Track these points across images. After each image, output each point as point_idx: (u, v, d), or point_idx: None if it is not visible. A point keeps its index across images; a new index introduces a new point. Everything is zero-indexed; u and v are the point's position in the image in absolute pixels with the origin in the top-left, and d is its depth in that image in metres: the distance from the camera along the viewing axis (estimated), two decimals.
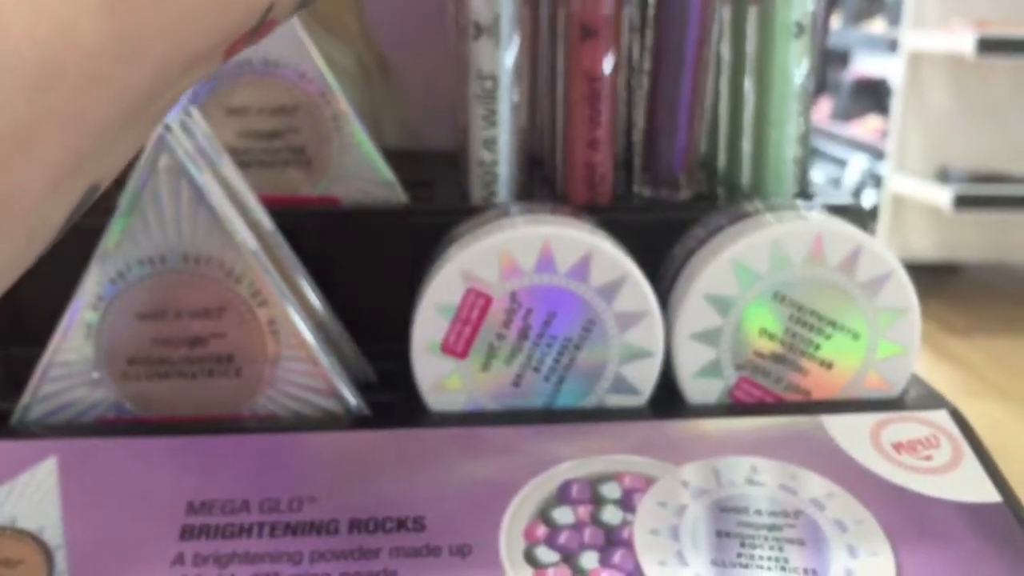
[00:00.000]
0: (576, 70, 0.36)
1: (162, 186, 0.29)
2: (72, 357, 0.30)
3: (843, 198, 0.38)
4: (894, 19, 2.18)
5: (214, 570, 0.26)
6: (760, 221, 0.32)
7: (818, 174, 2.46)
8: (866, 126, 2.38)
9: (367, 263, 0.37)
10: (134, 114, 0.17)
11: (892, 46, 2.10)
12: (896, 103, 2.09)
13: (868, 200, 2.24)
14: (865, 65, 2.57)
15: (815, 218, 0.32)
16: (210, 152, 0.31)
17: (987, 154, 2.08)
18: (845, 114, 2.48)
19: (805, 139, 0.37)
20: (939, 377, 1.66)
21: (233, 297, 0.30)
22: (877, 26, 2.37)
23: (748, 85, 0.37)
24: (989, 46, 1.85)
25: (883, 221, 2.10)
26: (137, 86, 0.16)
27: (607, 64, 0.35)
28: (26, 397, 0.30)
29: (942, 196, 1.94)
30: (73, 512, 0.27)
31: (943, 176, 2.02)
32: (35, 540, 0.26)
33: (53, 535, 0.26)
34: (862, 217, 0.36)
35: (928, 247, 2.12)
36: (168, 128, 0.29)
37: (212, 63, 0.18)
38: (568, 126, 0.37)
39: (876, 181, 2.21)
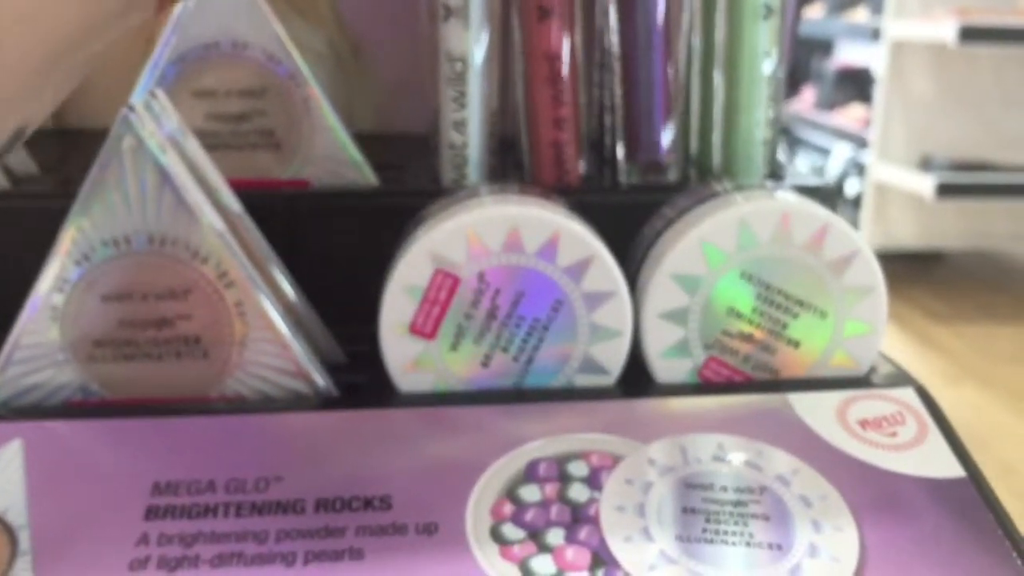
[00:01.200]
0: (535, 50, 0.36)
1: (126, 167, 0.29)
2: (38, 339, 0.30)
3: (813, 179, 0.39)
4: (877, 8, 2.19)
5: (179, 549, 0.26)
6: (728, 201, 0.32)
7: (802, 163, 2.47)
8: (849, 115, 2.39)
9: (337, 246, 0.37)
10: (61, 57, 0.16)
11: (875, 35, 2.11)
12: (879, 92, 2.09)
13: (852, 188, 2.25)
14: (848, 54, 2.58)
15: (782, 197, 0.32)
16: (175, 134, 0.31)
17: (969, 142, 2.10)
18: (829, 103, 2.48)
19: (775, 121, 0.38)
20: (921, 364, 1.67)
21: (199, 278, 0.30)
22: (860, 15, 2.37)
23: (718, 68, 0.37)
24: (971, 34, 1.86)
25: (866, 209, 2.11)
26: (64, 28, 0.16)
27: (565, 44, 0.35)
28: None
29: (925, 184, 1.96)
30: (38, 493, 0.27)
31: (926, 164, 2.03)
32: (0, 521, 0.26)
33: (17, 516, 0.26)
34: (831, 198, 0.36)
35: (911, 235, 2.13)
36: (132, 109, 0.29)
37: (147, 9, 0.18)
38: (531, 107, 0.37)
39: (859, 170, 2.22)
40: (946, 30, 1.87)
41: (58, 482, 0.27)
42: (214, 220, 0.30)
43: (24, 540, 0.26)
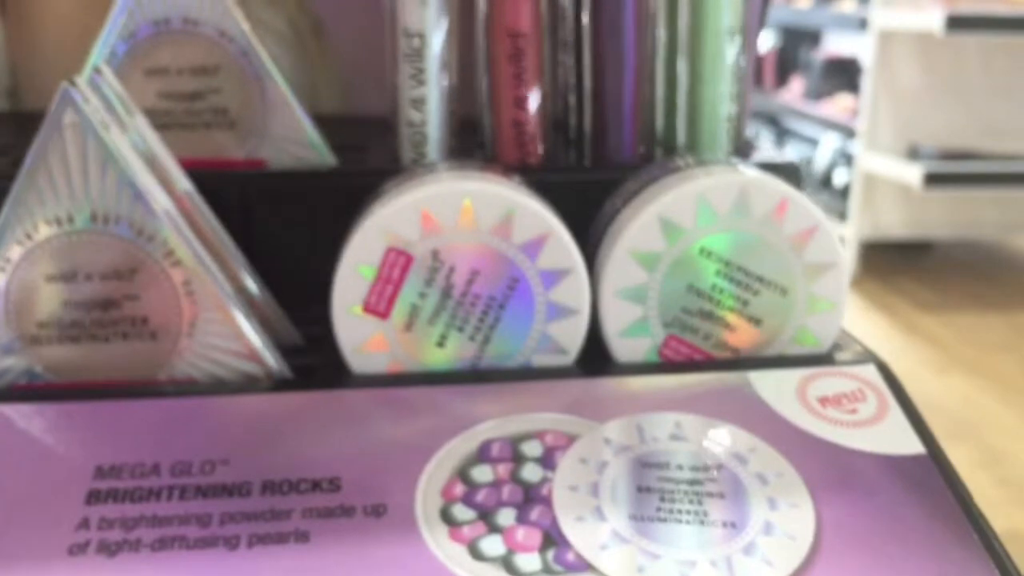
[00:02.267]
0: (498, 26, 0.35)
1: (68, 144, 0.28)
2: None
3: (778, 156, 0.38)
4: None
5: (119, 533, 0.25)
6: (688, 175, 0.32)
7: (790, 152, 2.47)
8: (837, 105, 2.38)
9: (294, 226, 0.36)
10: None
11: (862, 24, 2.10)
12: (867, 81, 2.09)
13: (840, 178, 2.25)
14: (836, 44, 2.58)
15: (743, 172, 0.31)
16: (120, 110, 0.31)
17: (957, 131, 2.09)
18: (816, 93, 2.48)
19: (740, 97, 0.37)
20: (910, 353, 1.67)
21: (145, 257, 0.29)
22: (847, 5, 2.37)
23: (682, 45, 0.37)
24: (958, 23, 1.86)
25: (854, 199, 2.10)
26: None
27: (528, 21, 0.34)
28: None
29: (912, 174, 1.95)
30: None
31: (913, 154, 2.03)
32: None
33: None
34: (796, 176, 0.36)
35: (899, 225, 2.13)
36: (73, 84, 0.28)
37: None
38: (493, 84, 0.36)
39: (847, 160, 2.22)
40: (933, 19, 1.86)
41: None
42: (160, 198, 0.29)
43: None
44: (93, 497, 0.26)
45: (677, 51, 0.37)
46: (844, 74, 2.40)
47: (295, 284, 0.35)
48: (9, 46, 0.44)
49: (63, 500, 0.26)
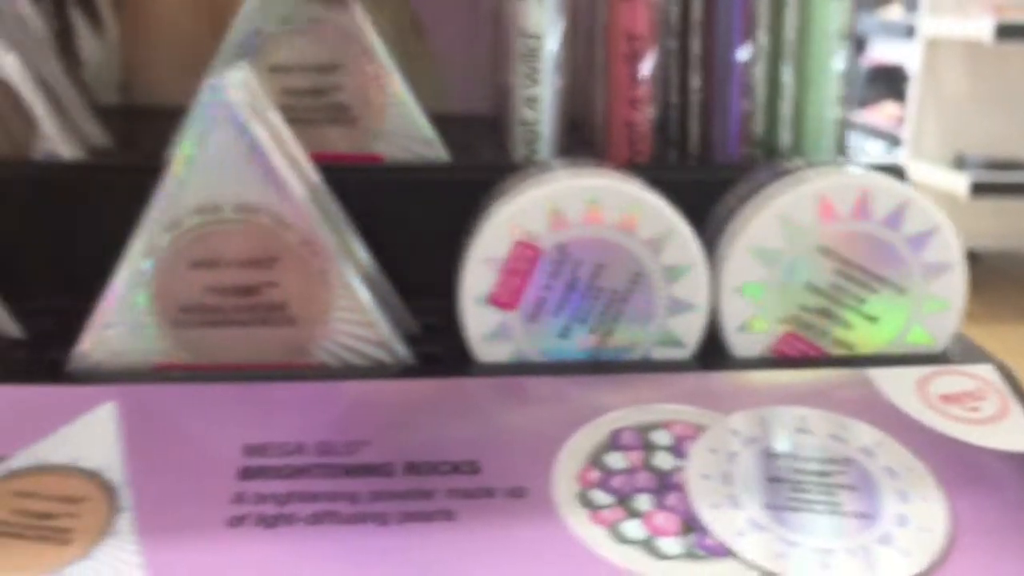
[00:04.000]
0: (617, 28, 0.36)
1: (216, 135, 0.29)
2: (127, 305, 0.30)
3: (883, 159, 0.39)
4: (911, 5, 2.17)
5: (274, 508, 0.26)
6: (804, 176, 0.32)
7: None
8: (882, 113, 2.37)
9: (409, 220, 0.37)
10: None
11: (909, 32, 2.09)
12: (913, 89, 2.08)
13: None
14: (881, 51, 2.56)
15: (861, 173, 0.32)
16: (259, 105, 0.32)
17: (1004, 141, 2.07)
18: (861, 101, 2.46)
19: (846, 100, 0.38)
20: None
21: (285, 247, 0.30)
22: (894, 12, 2.35)
23: (788, 45, 0.37)
24: (1007, 32, 1.84)
25: None
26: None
27: (645, 23, 0.35)
28: (83, 344, 0.30)
29: (959, 183, 1.94)
30: (133, 453, 0.27)
31: (960, 163, 2.01)
32: (98, 478, 0.26)
33: (115, 474, 0.27)
34: (901, 178, 0.36)
35: None
36: (223, 80, 0.29)
37: None
38: (608, 85, 0.37)
39: None
40: (982, 27, 1.85)
41: (151, 443, 0.28)
42: (299, 189, 0.30)
43: (125, 498, 0.26)
44: (245, 473, 0.27)
45: (782, 54, 0.38)
46: (890, 82, 2.39)
47: (409, 275, 0.36)
48: (124, 43, 0.45)
49: (217, 476, 0.27)
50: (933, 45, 2.03)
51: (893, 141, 2.20)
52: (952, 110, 2.07)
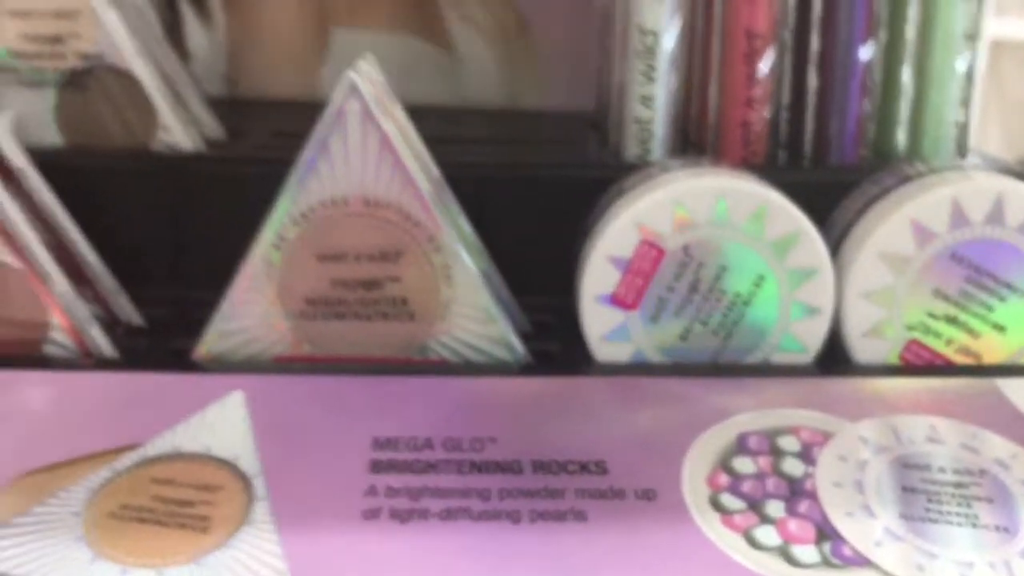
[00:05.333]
0: (736, 26, 0.36)
1: (350, 129, 0.29)
2: (254, 296, 0.31)
3: (1006, 164, 0.38)
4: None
5: (407, 502, 0.26)
6: (933, 180, 0.32)
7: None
8: None
9: (521, 219, 0.37)
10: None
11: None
12: (975, 92, 2.03)
13: None
14: None
15: (992, 178, 0.31)
16: (386, 99, 0.32)
17: None
18: None
19: (968, 102, 0.37)
20: None
21: (410, 241, 0.30)
22: None
23: (909, 45, 0.37)
24: None
25: None
26: None
27: (765, 21, 0.35)
28: (208, 334, 0.31)
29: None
30: (265, 443, 0.28)
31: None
32: (232, 467, 0.27)
33: (249, 463, 0.27)
34: None
35: None
36: (357, 74, 0.30)
37: None
38: (724, 84, 0.36)
39: None
40: None
41: (281, 433, 0.28)
42: (425, 184, 0.31)
43: (259, 487, 0.26)
44: (376, 466, 0.27)
45: (900, 54, 0.37)
46: None
47: (519, 273, 0.36)
48: (230, 34, 0.46)
49: (349, 467, 0.27)
50: (997, 47, 1.98)
51: None
52: (1016, 113, 2.03)
